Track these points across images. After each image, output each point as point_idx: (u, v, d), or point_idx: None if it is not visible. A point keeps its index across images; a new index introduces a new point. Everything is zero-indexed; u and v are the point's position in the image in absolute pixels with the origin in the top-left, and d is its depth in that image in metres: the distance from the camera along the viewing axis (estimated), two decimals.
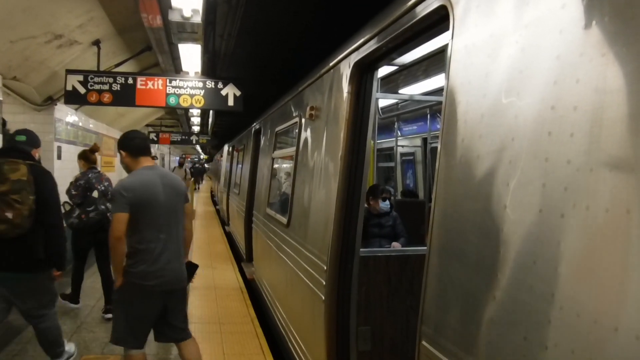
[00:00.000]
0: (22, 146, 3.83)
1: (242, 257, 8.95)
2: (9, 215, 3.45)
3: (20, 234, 3.52)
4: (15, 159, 3.59)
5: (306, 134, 4.35)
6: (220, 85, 6.84)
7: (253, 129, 8.78)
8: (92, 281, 6.52)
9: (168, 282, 3.39)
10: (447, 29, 2.03)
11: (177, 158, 22.07)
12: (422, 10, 2.24)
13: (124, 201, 3.24)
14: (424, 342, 1.93)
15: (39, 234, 3.60)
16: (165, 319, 3.49)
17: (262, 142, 7.63)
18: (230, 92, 6.86)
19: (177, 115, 15.25)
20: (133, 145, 3.50)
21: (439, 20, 2.18)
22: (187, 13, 4.32)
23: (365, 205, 4.64)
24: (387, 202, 4.85)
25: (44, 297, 3.90)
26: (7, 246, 3.53)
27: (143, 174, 3.42)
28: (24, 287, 3.75)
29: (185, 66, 6.51)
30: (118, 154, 3.68)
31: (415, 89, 6.13)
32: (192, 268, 3.79)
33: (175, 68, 7.03)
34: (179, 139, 17.90)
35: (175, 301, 3.53)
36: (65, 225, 4.52)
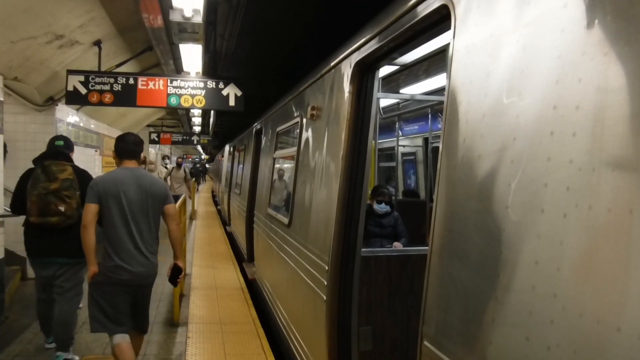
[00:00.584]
0: (63, 149, 4.52)
1: (243, 257, 8.95)
2: (62, 208, 4.09)
3: (70, 224, 4.11)
4: (61, 161, 4.30)
5: (307, 133, 4.35)
6: (221, 85, 6.84)
7: (254, 129, 8.78)
8: None
9: (137, 276, 3.61)
10: (448, 28, 2.03)
11: (175, 158, 22.03)
12: (423, 9, 2.24)
13: (92, 193, 3.56)
14: (425, 343, 1.92)
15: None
16: (134, 309, 3.75)
17: (263, 142, 7.63)
18: (231, 92, 6.85)
19: (178, 116, 15.26)
20: (119, 148, 3.85)
21: (440, 20, 2.18)
22: (188, 13, 4.32)
23: (368, 202, 4.64)
24: (383, 204, 4.83)
25: (79, 279, 4.42)
26: (58, 235, 4.16)
27: (117, 172, 3.72)
28: (70, 270, 4.29)
29: (186, 66, 6.51)
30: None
31: (416, 89, 6.12)
32: (176, 271, 3.89)
33: (176, 68, 7.04)
34: (180, 139, 17.90)
35: (142, 295, 3.78)
36: None
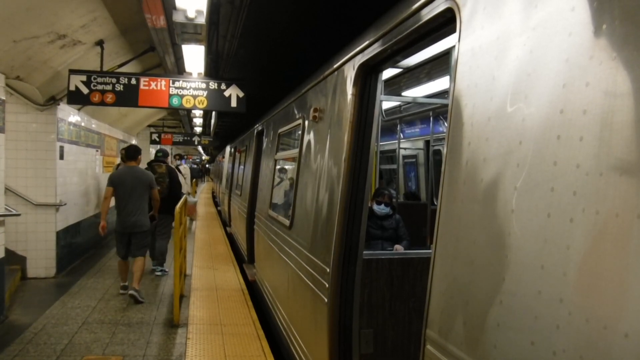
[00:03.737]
0: (161, 157, 8.28)
1: (243, 258, 8.93)
2: (159, 187, 7.09)
3: (164, 197, 7.43)
4: (159, 163, 7.97)
5: (309, 135, 4.34)
6: (223, 86, 6.83)
7: (255, 131, 8.78)
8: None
9: (129, 226, 6.42)
10: (453, 31, 2.03)
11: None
12: (428, 12, 2.23)
13: (109, 181, 6.51)
14: (428, 347, 1.91)
15: (171, 197, 7.64)
16: (129, 245, 6.52)
17: (264, 143, 7.62)
18: (233, 93, 6.85)
19: (179, 116, 15.25)
20: (125, 154, 6.89)
21: (445, 23, 2.18)
22: (191, 14, 4.32)
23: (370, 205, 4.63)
24: (383, 205, 4.81)
25: (170, 225, 7.99)
26: (160, 202, 7.07)
27: (122, 169, 6.75)
28: (167, 221, 7.92)
29: (188, 67, 6.51)
30: (118, 155, 6.66)
31: (418, 92, 6.12)
32: (152, 217, 6.91)
33: (178, 69, 7.04)
34: (181, 140, 17.90)
35: (135, 237, 6.48)
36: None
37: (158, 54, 6.55)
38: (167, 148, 27.11)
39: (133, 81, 6.62)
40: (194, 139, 18.15)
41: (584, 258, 1.22)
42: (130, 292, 6.20)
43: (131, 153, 6.68)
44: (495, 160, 1.61)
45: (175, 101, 6.73)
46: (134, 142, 14.86)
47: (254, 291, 7.01)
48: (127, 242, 6.43)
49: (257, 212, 7.29)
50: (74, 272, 7.94)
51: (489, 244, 1.60)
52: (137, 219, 6.36)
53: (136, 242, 6.44)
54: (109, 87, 6.53)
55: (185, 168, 15.06)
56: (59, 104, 7.39)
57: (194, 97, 6.77)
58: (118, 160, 11.24)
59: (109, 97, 6.55)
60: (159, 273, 7.73)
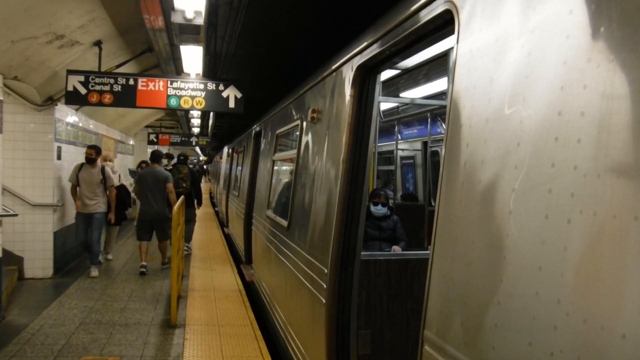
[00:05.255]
0: (183, 160, 10.00)
1: (241, 259, 8.93)
2: (184, 185, 9.20)
3: (187, 192, 9.15)
4: (183, 165, 9.67)
5: (307, 136, 4.35)
6: (221, 87, 6.84)
7: (253, 131, 8.78)
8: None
9: (151, 214, 8.01)
10: (451, 33, 2.03)
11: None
12: (427, 14, 2.24)
13: (136, 179, 8.99)
14: (426, 347, 1.92)
15: (193, 192, 9.72)
16: (150, 230, 8.10)
17: (262, 144, 7.62)
18: (231, 94, 6.86)
19: (177, 117, 15.24)
20: (150, 158, 8.57)
21: (443, 25, 2.18)
22: (189, 15, 4.31)
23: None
24: (380, 205, 4.81)
25: (192, 214, 9.69)
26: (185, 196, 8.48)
27: (147, 169, 8.46)
28: (189, 211, 9.22)
29: (186, 68, 6.51)
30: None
31: (415, 93, 6.13)
32: (170, 207, 7.84)
33: (176, 69, 7.03)
34: (178, 141, 17.88)
35: (156, 224, 8.09)
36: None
37: (156, 54, 6.55)
38: (164, 149, 27.18)
39: (131, 82, 6.62)
40: (191, 139, 18.12)
41: (582, 259, 1.23)
42: (162, 266, 8.34)
43: (153, 157, 8.50)
44: (493, 161, 1.62)
45: (173, 102, 6.73)
46: (131, 142, 14.84)
47: (252, 292, 7.01)
48: (148, 227, 8.04)
49: (255, 213, 7.29)
50: (71, 272, 7.93)
51: (487, 245, 1.61)
52: (157, 208, 7.99)
53: (158, 229, 8.13)
54: (107, 88, 6.53)
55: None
56: (56, 104, 7.39)
57: (192, 97, 6.77)
58: (115, 161, 11.34)
59: (107, 98, 6.55)
60: (187, 250, 9.32)
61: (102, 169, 7.80)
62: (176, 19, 4.35)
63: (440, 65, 4.63)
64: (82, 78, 6.47)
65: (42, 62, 6.28)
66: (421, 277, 3.58)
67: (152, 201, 7.94)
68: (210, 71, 7.16)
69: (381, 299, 3.55)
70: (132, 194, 9.35)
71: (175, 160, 10.95)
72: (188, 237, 9.49)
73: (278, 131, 5.97)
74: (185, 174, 9.43)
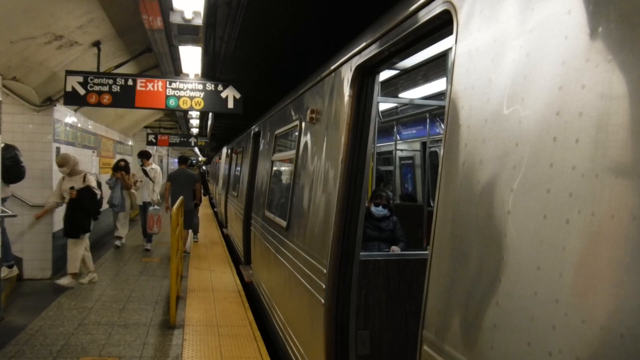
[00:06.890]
0: (192, 162, 14.88)
1: (240, 259, 8.92)
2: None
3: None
4: (194, 167, 12.33)
5: (306, 137, 4.35)
6: (220, 87, 6.83)
7: (252, 132, 8.78)
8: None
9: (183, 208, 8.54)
10: (450, 33, 2.03)
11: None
12: (426, 14, 2.24)
13: (168, 178, 10.45)
14: (425, 347, 1.92)
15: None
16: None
17: (261, 144, 7.62)
18: (230, 94, 6.85)
19: (176, 117, 15.22)
20: (179, 161, 10.41)
21: (442, 25, 2.19)
22: (188, 15, 4.32)
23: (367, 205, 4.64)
24: (381, 207, 4.81)
25: (196, 213, 10.90)
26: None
27: (177, 170, 10.23)
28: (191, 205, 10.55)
29: (185, 68, 6.50)
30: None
31: (414, 93, 6.13)
32: (197, 205, 10.24)
33: (175, 70, 7.03)
34: (177, 141, 17.85)
35: (186, 215, 8.54)
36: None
37: (155, 55, 6.54)
38: (164, 149, 27.22)
39: (130, 82, 6.61)
40: (190, 140, 18.11)
41: (580, 259, 1.23)
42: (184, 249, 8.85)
43: (182, 160, 10.27)
44: (492, 162, 1.62)
45: (172, 102, 6.73)
46: (130, 143, 14.82)
47: (251, 292, 7.00)
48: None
49: (254, 214, 7.29)
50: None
51: (485, 245, 1.61)
52: (186, 203, 8.90)
53: (189, 217, 9.43)
54: (106, 88, 6.52)
55: (154, 170, 10.45)
56: (55, 105, 7.38)
57: (191, 98, 6.77)
58: (113, 161, 11.49)
59: (106, 98, 6.54)
60: (195, 239, 11.06)
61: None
62: (175, 19, 4.35)
63: (439, 65, 4.63)
64: (80, 79, 6.46)
65: (40, 62, 6.28)
66: (420, 277, 3.58)
67: (181, 196, 8.96)
68: (209, 72, 7.15)
69: (380, 299, 3.55)
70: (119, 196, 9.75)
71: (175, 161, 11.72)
72: (196, 228, 11.02)
73: (277, 132, 5.97)
74: (196, 174, 11.44)
